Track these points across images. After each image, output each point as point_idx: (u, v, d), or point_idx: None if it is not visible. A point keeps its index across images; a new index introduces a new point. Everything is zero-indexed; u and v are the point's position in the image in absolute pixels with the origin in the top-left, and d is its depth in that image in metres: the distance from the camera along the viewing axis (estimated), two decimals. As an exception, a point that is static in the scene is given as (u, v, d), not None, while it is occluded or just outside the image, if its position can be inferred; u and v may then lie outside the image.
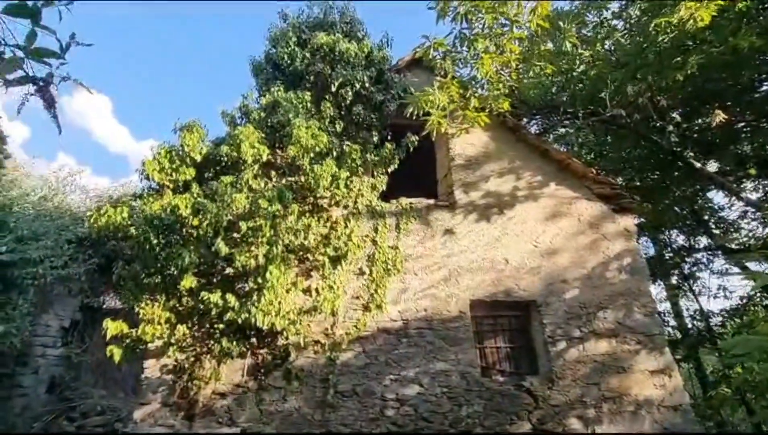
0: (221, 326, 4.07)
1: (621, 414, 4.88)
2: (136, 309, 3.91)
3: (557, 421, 4.76)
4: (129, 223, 4.20)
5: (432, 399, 4.53)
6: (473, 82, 6.06)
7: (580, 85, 7.70)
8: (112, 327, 3.82)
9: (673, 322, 11.03)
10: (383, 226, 5.32)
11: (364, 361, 4.52)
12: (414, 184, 6.96)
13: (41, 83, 1.82)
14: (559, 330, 5.30)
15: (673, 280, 11.31)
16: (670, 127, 8.02)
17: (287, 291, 4.31)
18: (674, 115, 8.19)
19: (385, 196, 5.62)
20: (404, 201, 5.65)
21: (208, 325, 4.11)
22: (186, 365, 3.92)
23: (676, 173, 8.78)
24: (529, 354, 5.35)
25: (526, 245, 5.77)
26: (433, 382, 4.62)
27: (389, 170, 5.59)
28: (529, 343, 5.41)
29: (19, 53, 1.72)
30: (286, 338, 4.22)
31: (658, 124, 8.02)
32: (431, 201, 5.87)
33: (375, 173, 5.59)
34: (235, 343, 3.99)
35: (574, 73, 7.33)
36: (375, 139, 5.63)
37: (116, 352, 3.77)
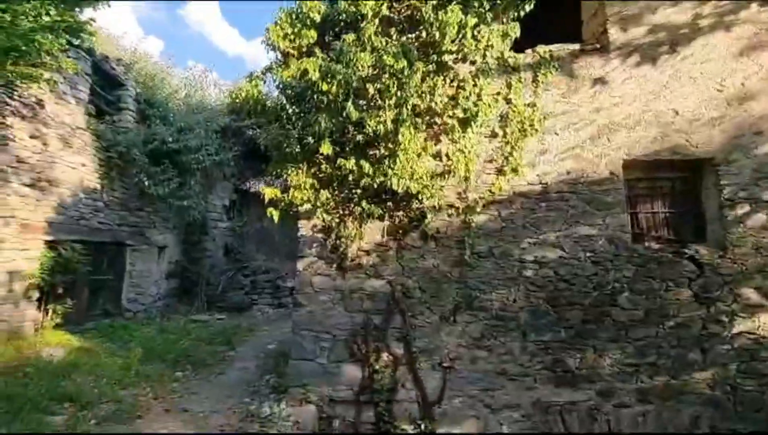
0: (359, 191, 4.24)
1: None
2: (284, 176, 4.26)
3: (727, 290, 4.20)
4: (264, 96, 4.38)
5: (574, 262, 4.32)
6: None
7: None
8: (268, 192, 4.27)
9: None
10: (517, 82, 4.65)
11: (500, 224, 4.40)
12: (552, 28, 5.80)
13: None
14: (742, 192, 4.36)
15: None
16: None
17: (418, 156, 4.21)
18: None
19: (518, 46, 4.81)
20: (542, 49, 4.77)
21: (347, 190, 4.34)
22: (332, 225, 4.28)
23: None
24: (696, 220, 4.61)
25: (705, 91, 4.57)
26: (575, 246, 4.35)
27: (522, 14, 4.65)
28: (697, 207, 4.62)
29: None
30: (421, 201, 4.26)
31: None
32: (576, 46, 4.86)
33: (505, 19, 4.72)
34: (373, 206, 4.17)
35: None
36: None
37: (274, 214, 4.26)
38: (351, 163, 4.12)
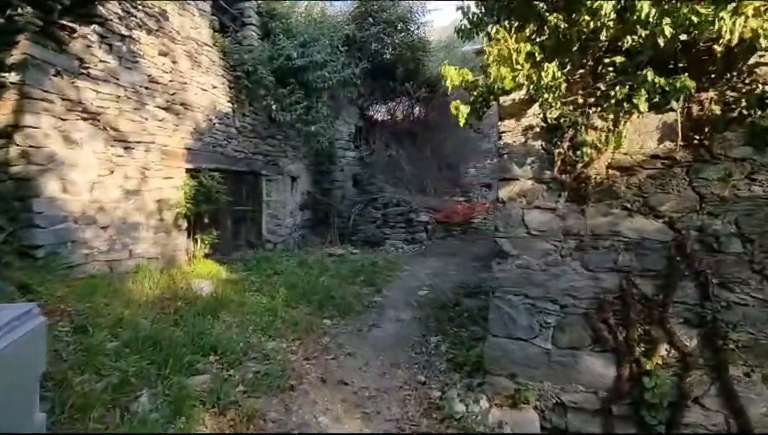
0: (619, 59, 2.31)
1: None
2: (481, 41, 2.53)
3: None
4: None
5: None
6: None
7: None
8: (452, 75, 2.62)
9: None
10: None
11: None
12: None
13: None
14: None
15: None
16: None
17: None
18: None
19: None
20: None
21: (592, 62, 2.44)
22: (563, 124, 2.49)
23: None
24: None
25: None
26: None
27: None
28: None
29: None
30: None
31: None
32: None
33: None
34: (656, 80, 2.21)
35: None
36: None
37: (461, 111, 2.62)
38: (609, 5, 2.19)
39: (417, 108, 13.36)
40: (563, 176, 2.51)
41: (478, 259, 8.71)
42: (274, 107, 7.99)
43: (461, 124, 2.67)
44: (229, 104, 7.69)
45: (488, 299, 5.12)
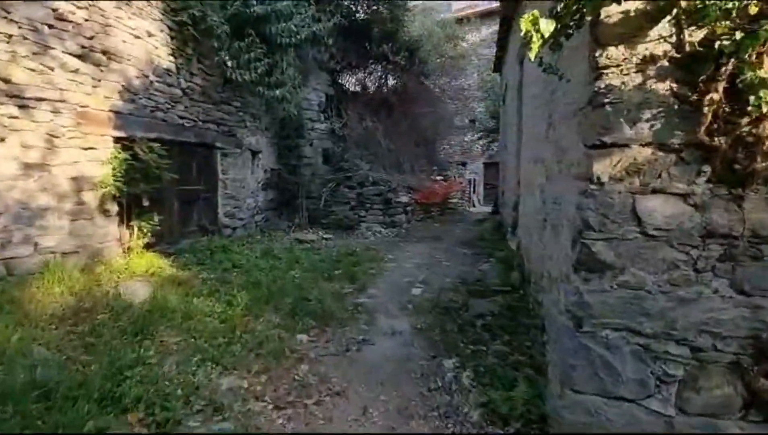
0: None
1: None
2: None
3: None
4: None
5: None
6: None
7: None
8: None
9: None
10: None
11: None
12: None
13: None
14: None
15: None
16: None
17: None
18: None
19: None
20: None
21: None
22: (720, 54, 1.47)
23: None
24: None
25: None
26: None
27: None
28: None
29: None
30: None
31: None
32: None
33: None
34: None
35: None
36: None
37: (542, 28, 1.53)
38: None
39: (394, 76, 12.09)
40: (714, 140, 1.52)
41: (465, 244, 7.84)
42: (229, 64, 6.55)
43: (532, 55, 1.58)
44: (172, 58, 6.19)
45: (505, 301, 4.20)
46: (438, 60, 11.88)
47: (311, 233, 8.69)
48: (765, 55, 1.43)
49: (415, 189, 10.91)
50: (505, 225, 7.35)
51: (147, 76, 5.76)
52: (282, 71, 7.42)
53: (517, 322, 3.59)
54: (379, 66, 11.54)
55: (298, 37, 7.29)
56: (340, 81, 11.58)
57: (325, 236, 8.60)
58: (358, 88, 12.63)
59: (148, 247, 5.75)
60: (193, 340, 3.30)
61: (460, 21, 14.03)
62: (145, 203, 5.79)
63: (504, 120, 8.80)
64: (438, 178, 13.66)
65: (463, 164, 18.50)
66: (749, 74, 1.43)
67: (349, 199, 9.74)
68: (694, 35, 1.53)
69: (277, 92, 7.26)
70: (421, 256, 6.77)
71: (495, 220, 10.21)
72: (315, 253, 6.77)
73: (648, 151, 1.63)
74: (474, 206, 16.91)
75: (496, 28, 19.30)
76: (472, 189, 17.83)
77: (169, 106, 6.19)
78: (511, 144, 6.38)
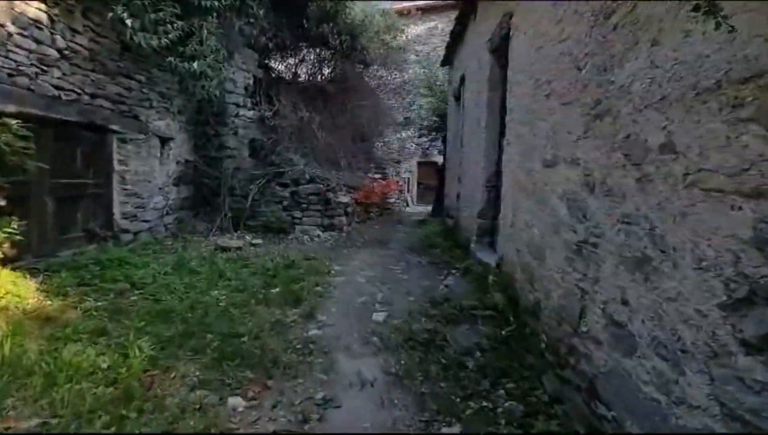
0: None
1: None
2: None
3: None
4: None
5: None
6: None
7: None
8: None
9: None
10: None
11: None
12: None
13: None
14: None
15: None
16: None
17: None
18: None
19: None
20: None
21: None
22: None
23: None
24: None
25: None
26: None
27: None
28: None
29: None
30: None
31: None
32: None
33: None
34: None
35: None
36: None
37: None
38: None
39: (333, 63, 11.03)
40: None
41: (415, 251, 7.16)
42: (128, 23, 5.03)
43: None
44: (43, 6, 4.56)
45: (492, 330, 3.50)
46: (379, 50, 11.07)
47: (236, 238, 7.36)
48: None
49: (355, 187, 10.02)
50: (463, 232, 6.77)
51: (2, 25, 4.11)
52: (201, 41, 6.02)
53: (519, 362, 2.91)
54: (317, 50, 10.40)
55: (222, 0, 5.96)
56: (271, 63, 10.23)
57: (253, 242, 7.34)
58: (290, 74, 11.35)
59: (5, 261, 4.14)
60: (59, 424, 2.09)
61: (400, 13, 13.38)
62: (0, 202, 4.16)
63: (457, 117, 8.27)
64: (376, 176, 12.91)
65: (398, 162, 18.01)
66: None
67: (281, 198, 8.52)
68: None
69: (195, 65, 5.87)
70: (372, 267, 5.92)
71: (440, 223, 9.71)
72: (243, 265, 5.57)
73: None
74: (408, 206, 16.50)
75: (433, 24, 19.08)
76: (406, 188, 17.41)
77: (39, 71, 4.56)
78: (475, 141, 5.78)
